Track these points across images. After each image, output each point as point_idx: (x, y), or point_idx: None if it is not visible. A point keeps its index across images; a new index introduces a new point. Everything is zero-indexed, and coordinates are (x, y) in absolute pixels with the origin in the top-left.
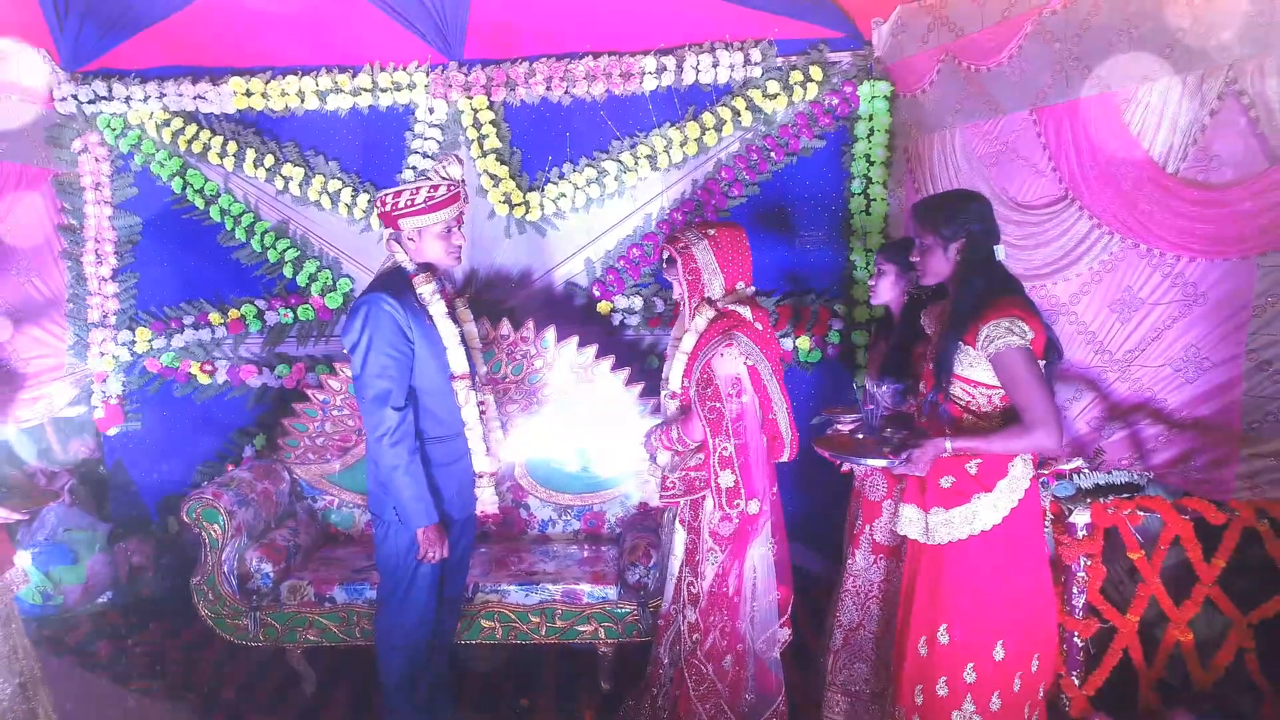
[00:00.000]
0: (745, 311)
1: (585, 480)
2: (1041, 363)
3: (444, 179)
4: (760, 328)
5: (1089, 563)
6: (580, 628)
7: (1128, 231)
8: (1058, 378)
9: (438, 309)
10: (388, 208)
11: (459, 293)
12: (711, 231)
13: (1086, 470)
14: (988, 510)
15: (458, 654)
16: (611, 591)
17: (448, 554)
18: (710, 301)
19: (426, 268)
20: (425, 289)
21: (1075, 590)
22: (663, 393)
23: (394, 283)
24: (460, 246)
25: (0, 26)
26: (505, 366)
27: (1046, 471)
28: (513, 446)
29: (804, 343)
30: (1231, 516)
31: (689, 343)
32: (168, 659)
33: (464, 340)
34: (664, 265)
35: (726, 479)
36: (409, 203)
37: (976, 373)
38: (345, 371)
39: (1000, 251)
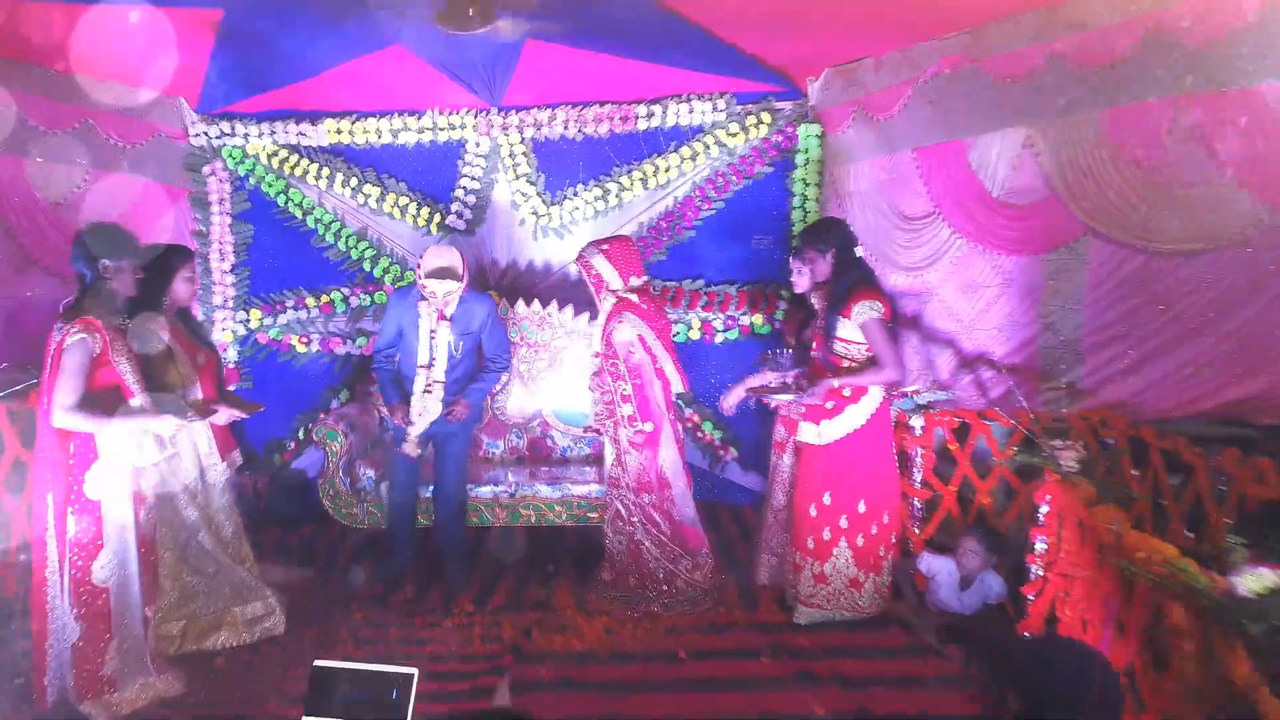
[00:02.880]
0: (634, 297)
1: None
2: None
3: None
4: (645, 307)
5: (923, 452)
6: (590, 515)
7: (970, 236)
8: (926, 338)
9: (425, 320)
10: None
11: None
12: (605, 246)
13: (922, 391)
14: (855, 415)
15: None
16: None
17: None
18: (612, 291)
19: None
20: (425, 308)
21: (915, 470)
22: (590, 352)
23: (410, 289)
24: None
25: (159, 78)
26: (537, 334)
27: (895, 392)
28: (543, 391)
29: (758, 319)
30: (1016, 423)
31: (600, 319)
32: (292, 547)
33: (434, 340)
34: (579, 271)
35: (626, 409)
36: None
37: (851, 335)
38: None
39: (859, 250)
